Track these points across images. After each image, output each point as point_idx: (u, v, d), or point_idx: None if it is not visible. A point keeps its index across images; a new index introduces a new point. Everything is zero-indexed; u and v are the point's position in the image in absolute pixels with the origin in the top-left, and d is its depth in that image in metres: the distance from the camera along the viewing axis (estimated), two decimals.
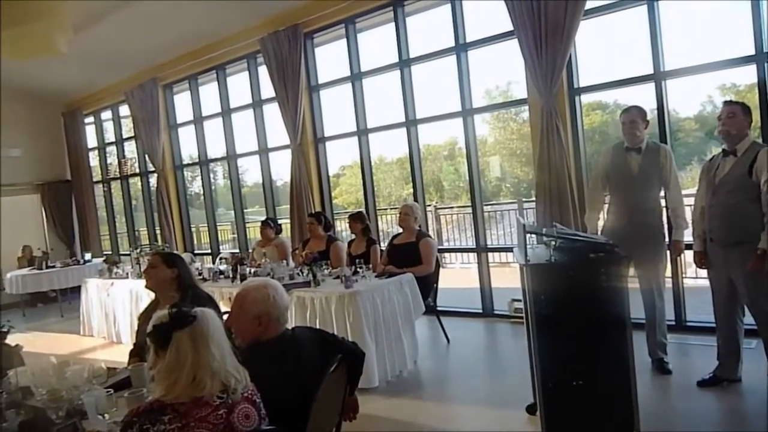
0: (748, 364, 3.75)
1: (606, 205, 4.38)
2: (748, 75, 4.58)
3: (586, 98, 5.85)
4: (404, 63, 6.53)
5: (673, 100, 6.09)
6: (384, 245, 5.97)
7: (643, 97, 5.04)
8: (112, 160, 11.36)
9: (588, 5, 5.03)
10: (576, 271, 3.01)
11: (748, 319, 3.66)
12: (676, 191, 4.09)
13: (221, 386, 1.81)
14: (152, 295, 3.43)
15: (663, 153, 4.10)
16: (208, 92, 9.07)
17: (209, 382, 1.78)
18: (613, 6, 5.17)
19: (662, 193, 4.17)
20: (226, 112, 8.69)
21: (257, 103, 8.18)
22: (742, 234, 3.40)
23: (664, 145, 4.30)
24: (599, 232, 4.26)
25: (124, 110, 10.36)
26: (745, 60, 4.55)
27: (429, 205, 10.01)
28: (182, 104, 9.54)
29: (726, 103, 3.63)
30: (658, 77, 4.91)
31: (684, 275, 5.29)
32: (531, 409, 3.57)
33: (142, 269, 6.52)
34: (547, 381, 3.03)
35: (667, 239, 4.23)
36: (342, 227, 9.72)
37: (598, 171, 4.36)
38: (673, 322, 4.78)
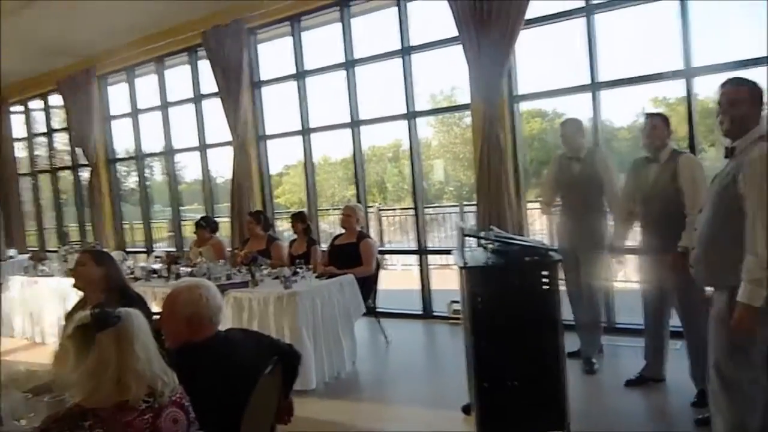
0: (673, 364, 3.92)
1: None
2: (678, 89, 4.82)
3: (526, 106, 6.02)
4: (350, 63, 6.51)
5: (608, 111, 6.34)
6: (326, 246, 5.93)
7: (580, 106, 5.23)
8: (41, 152, 10.79)
9: (529, 15, 5.16)
10: (511, 273, 3.09)
11: (674, 321, 3.84)
12: (612, 194, 4.27)
13: (147, 390, 1.74)
14: (81, 294, 3.29)
15: (599, 157, 4.35)
16: (146, 84, 8.76)
17: (134, 385, 1.70)
18: (553, 17, 5.32)
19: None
20: (165, 106, 8.41)
21: (198, 98, 7.96)
22: (672, 241, 3.55)
23: (600, 149, 4.56)
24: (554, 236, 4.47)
25: (55, 100, 9.86)
26: (675, 74, 4.78)
27: (371, 207, 10.03)
28: (118, 96, 9.18)
29: (648, 115, 3.84)
30: (594, 87, 5.10)
31: (614, 279, 5.49)
32: (467, 410, 3.62)
33: (70, 267, 6.28)
34: (482, 381, 3.08)
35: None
36: (284, 227, 9.59)
37: (548, 179, 4.61)
38: (605, 324, 4.95)
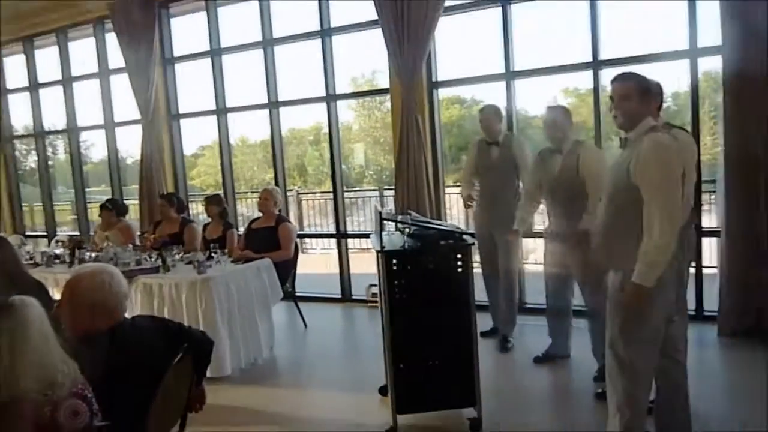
0: (576, 341, 4.15)
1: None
2: (588, 80, 5.05)
3: (444, 92, 6.11)
4: (267, 42, 6.35)
5: (523, 99, 6.55)
6: (243, 230, 5.79)
7: (497, 94, 5.38)
8: None
9: (448, 3, 5.23)
10: (427, 256, 3.15)
11: (578, 300, 4.06)
12: (529, 183, 4.42)
13: (45, 382, 1.64)
14: None
15: (516, 143, 4.55)
16: (47, 57, 8.15)
17: (29, 377, 1.61)
18: (471, 5, 5.41)
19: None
20: (68, 81, 7.87)
21: (104, 72, 7.50)
22: (575, 224, 3.73)
23: (517, 136, 4.75)
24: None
25: None
26: (584, 66, 5.01)
27: (291, 190, 9.89)
28: (15, 68, 8.49)
29: (549, 109, 4.02)
30: (509, 77, 5.25)
31: (525, 261, 5.74)
32: (383, 391, 3.67)
33: None
34: (397, 362, 3.14)
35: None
36: (198, 210, 9.28)
37: (468, 163, 4.75)
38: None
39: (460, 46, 7.50)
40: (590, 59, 4.92)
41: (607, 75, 4.90)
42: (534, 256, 7.03)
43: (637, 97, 2.47)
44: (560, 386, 3.96)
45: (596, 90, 4.96)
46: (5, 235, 5.55)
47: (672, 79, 6.50)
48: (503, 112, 4.72)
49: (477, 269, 4.41)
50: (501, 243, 4.46)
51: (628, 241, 2.41)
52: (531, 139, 5.73)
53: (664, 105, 3.24)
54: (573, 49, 5.28)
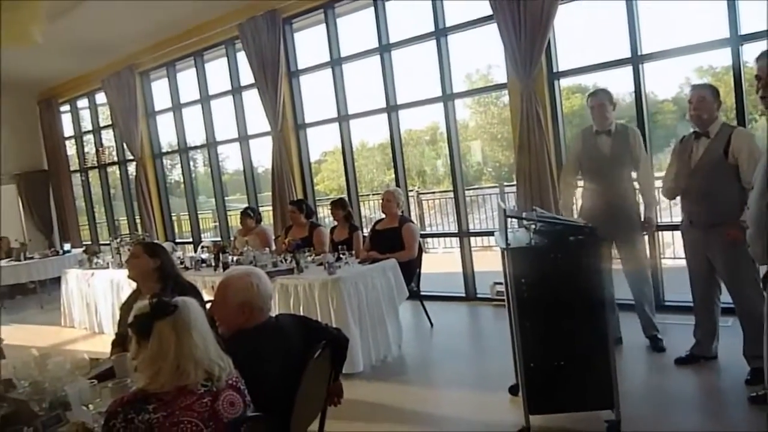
0: (725, 341, 3.83)
1: (580, 190, 4.44)
2: (725, 57, 4.64)
3: (565, 82, 5.88)
4: (384, 48, 6.50)
5: (651, 83, 6.16)
6: (366, 231, 5.98)
7: (622, 80, 5.09)
8: (90, 148, 11.18)
9: None
10: (556, 253, 3.06)
11: (725, 297, 3.74)
12: (645, 170, 4.21)
13: (205, 374, 1.82)
14: (134, 285, 3.42)
15: (632, 134, 4.20)
16: (187, 79, 8.95)
17: (193, 370, 1.79)
18: None
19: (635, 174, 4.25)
20: (205, 99, 8.59)
21: (236, 90, 8.10)
22: (721, 215, 3.46)
23: (632, 126, 4.36)
24: (576, 216, 4.34)
25: (101, 98, 10.18)
26: (721, 43, 4.61)
27: (411, 191, 10.02)
28: (160, 91, 9.41)
29: (694, 87, 3.68)
30: (635, 60, 4.95)
31: (662, 256, 5.38)
32: (513, 391, 3.62)
33: (123, 259, 6.52)
34: (528, 362, 3.08)
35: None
36: (324, 214, 9.70)
37: (571, 156, 4.45)
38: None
39: (580, 33, 7.21)
40: (728, 35, 4.51)
41: (749, 51, 4.48)
42: (670, 250, 6.60)
43: None
44: (706, 389, 3.67)
45: (737, 68, 4.53)
46: (159, 242, 6.18)
47: None
48: (620, 98, 4.41)
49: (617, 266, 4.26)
50: (621, 241, 4.17)
51: None
52: (661, 125, 5.35)
53: None
54: (707, 25, 4.87)
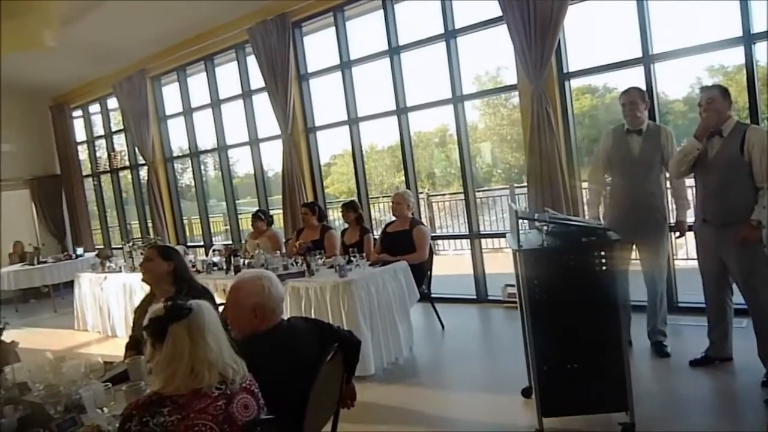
0: (739, 342, 3.80)
1: (608, 188, 4.37)
2: (736, 56, 4.60)
3: (575, 83, 5.86)
4: (394, 50, 6.51)
5: (662, 83, 6.11)
6: (377, 234, 5.98)
7: (633, 80, 5.05)
8: (102, 153, 11.28)
9: None
10: (568, 255, 3.05)
11: (737, 298, 3.71)
12: (675, 160, 4.09)
13: (219, 377, 1.82)
14: (146, 288, 3.44)
15: (664, 134, 4.09)
16: (197, 83, 9.01)
17: (207, 373, 1.79)
18: None
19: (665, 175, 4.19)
20: (216, 103, 8.64)
21: (247, 94, 8.13)
22: (736, 214, 3.43)
23: (664, 126, 4.27)
24: (600, 216, 4.29)
25: (113, 103, 10.28)
26: (733, 42, 4.57)
27: (421, 193, 10.02)
28: (171, 96, 9.48)
29: (704, 88, 3.64)
30: (646, 60, 4.93)
31: (675, 257, 5.33)
32: (526, 393, 3.61)
33: (135, 263, 6.57)
34: (541, 364, 3.07)
35: (670, 221, 4.26)
36: (335, 216, 9.71)
37: (599, 154, 4.33)
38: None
39: (590, 33, 7.17)
40: (740, 33, 4.48)
41: (762, 50, 4.44)
42: (682, 251, 6.54)
43: None
44: (722, 391, 3.63)
45: (749, 67, 4.50)
46: (171, 245, 6.21)
47: None
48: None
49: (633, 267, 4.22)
50: (643, 242, 4.12)
51: None
52: (672, 124, 5.30)
53: None
54: (718, 24, 4.83)
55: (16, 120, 10.79)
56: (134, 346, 3.15)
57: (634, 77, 5.02)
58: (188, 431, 1.72)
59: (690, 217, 4.18)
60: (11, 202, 10.97)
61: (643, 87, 4.86)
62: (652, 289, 4.17)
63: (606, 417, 3.15)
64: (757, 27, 4.42)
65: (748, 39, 4.44)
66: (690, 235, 4.13)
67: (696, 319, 4.35)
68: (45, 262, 9.17)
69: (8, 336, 3.71)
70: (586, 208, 4.70)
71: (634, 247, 4.19)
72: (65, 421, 2.19)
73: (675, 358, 4.04)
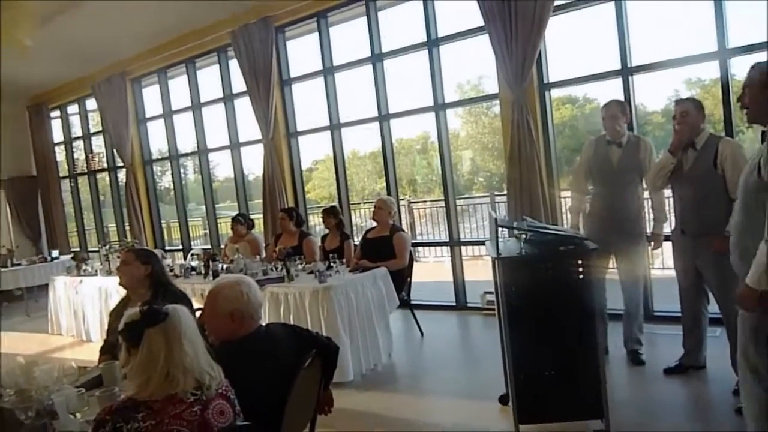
0: (713, 351, 3.87)
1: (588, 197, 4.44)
2: (713, 70, 4.71)
3: (555, 93, 5.93)
4: (376, 57, 6.53)
5: (640, 95, 6.23)
6: (358, 240, 5.98)
7: (612, 91, 5.15)
8: (79, 155, 11.11)
9: (557, 2, 5.11)
10: (546, 263, 3.08)
11: (713, 307, 3.78)
12: (652, 173, 4.15)
13: (195, 383, 1.81)
14: (123, 292, 3.39)
15: (643, 146, 4.16)
16: (178, 86, 8.93)
17: (182, 378, 1.78)
18: (582, 2, 5.25)
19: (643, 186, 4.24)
20: (197, 106, 8.57)
21: (228, 97, 8.09)
22: (710, 225, 3.49)
23: (645, 138, 4.35)
24: (580, 225, 4.36)
25: (91, 104, 10.15)
26: (709, 56, 4.68)
27: (402, 200, 10.04)
28: (151, 98, 9.39)
29: (678, 101, 3.71)
30: (625, 72, 5.02)
31: (651, 266, 5.41)
32: (503, 400, 3.63)
33: (112, 266, 6.47)
34: (518, 371, 3.09)
35: (647, 231, 4.31)
36: (315, 222, 9.69)
37: (581, 164, 4.40)
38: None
39: (570, 44, 7.29)
40: (716, 48, 4.58)
41: (737, 64, 4.55)
42: (659, 261, 6.64)
43: None
44: (695, 399, 3.69)
45: (725, 81, 4.60)
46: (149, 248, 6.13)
47: None
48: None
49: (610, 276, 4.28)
50: (620, 252, 4.19)
51: (759, 243, 2.23)
52: (651, 136, 5.39)
53: None
54: (695, 38, 4.95)
55: None
56: (109, 350, 3.11)
57: (614, 88, 5.11)
58: None
59: (666, 230, 4.26)
60: None
61: (622, 98, 4.97)
62: (629, 298, 4.23)
63: (582, 424, 3.18)
64: (733, 42, 4.52)
65: (724, 53, 4.55)
66: (666, 244, 4.20)
67: (670, 328, 4.41)
68: (19, 264, 8.98)
69: None
70: (565, 216, 4.75)
71: (612, 256, 4.25)
72: (36, 427, 2.15)
73: (650, 366, 4.09)
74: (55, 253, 9.63)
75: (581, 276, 3.02)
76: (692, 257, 3.68)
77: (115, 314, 3.19)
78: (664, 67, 5.05)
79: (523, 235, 3.31)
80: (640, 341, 4.25)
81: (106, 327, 3.60)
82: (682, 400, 3.70)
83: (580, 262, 3.02)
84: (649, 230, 4.32)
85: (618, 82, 5.07)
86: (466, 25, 5.88)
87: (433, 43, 6.10)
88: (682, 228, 3.73)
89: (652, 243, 4.30)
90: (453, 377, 4.48)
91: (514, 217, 5.18)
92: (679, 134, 3.61)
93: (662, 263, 6.54)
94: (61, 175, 11.21)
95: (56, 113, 11.05)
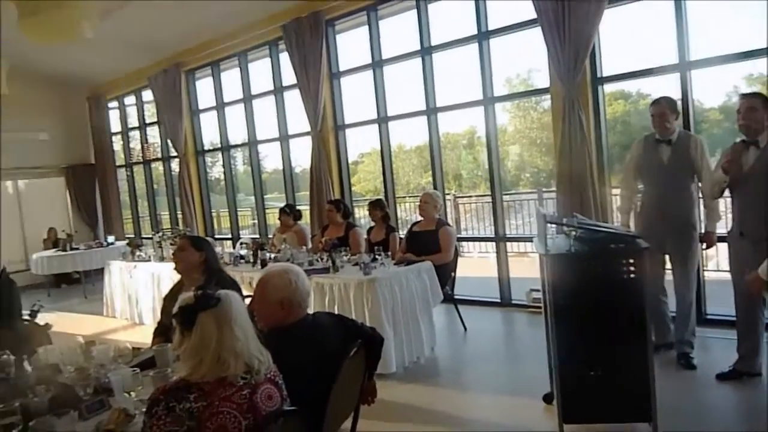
0: None
1: (639, 196, 4.34)
2: None
3: (608, 87, 5.77)
4: (425, 51, 6.51)
5: (697, 91, 5.99)
6: (403, 233, 5.99)
7: (667, 87, 4.98)
8: (135, 144, 11.51)
9: None
10: (596, 261, 3.02)
11: None
12: (708, 182, 4.00)
13: (245, 367, 1.86)
14: (175, 278, 3.51)
15: (694, 144, 4.03)
16: (230, 78, 9.13)
17: (233, 362, 1.83)
18: None
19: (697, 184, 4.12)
20: (248, 99, 8.74)
21: (278, 90, 8.22)
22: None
23: (695, 135, 4.21)
24: (631, 224, 4.25)
25: (147, 95, 10.47)
26: None
27: (448, 194, 10.00)
28: (204, 90, 9.62)
29: (744, 96, 3.57)
30: (682, 67, 4.84)
31: (705, 268, 5.23)
32: (548, 398, 3.59)
33: (164, 253, 6.69)
34: (564, 370, 3.04)
35: (700, 231, 4.18)
36: (360, 214, 9.75)
37: (630, 163, 4.32)
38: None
39: (626, 37, 7.08)
40: None
41: None
42: (712, 262, 6.42)
43: None
44: (748, 407, 3.55)
45: None
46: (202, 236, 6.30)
47: None
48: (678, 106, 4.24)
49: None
50: (672, 252, 4.08)
51: None
52: (707, 134, 5.18)
53: None
54: (758, 31, 4.72)
55: (54, 110, 11.10)
56: (162, 333, 3.22)
57: (669, 84, 4.94)
58: (213, 418, 1.76)
59: (720, 229, 4.11)
60: (47, 190, 11.32)
61: (678, 94, 4.81)
62: (681, 300, 4.10)
63: (629, 426, 3.12)
64: None
65: None
66: (721, 246, 4.05)
67: (724, 332, 4.26)
68: (77, 248, 9.38)
69: (41, 319, 3.83)
70: (615, 215, 4.64)
71: (666, 256, 4.13)
72: (94, 403, 2.26)
73: (702, 371, 3.96)
74: (111, 238, 10.00)
75: (632, 275, 2.95)
76: (751, 260, 3.53)
77: (170, 298, 3.30)
78: (724, 62, 4.82)
79: (573, 232, 3.25)
80: (691, 344, 4.12)
81: (158, 311, 3.73)
82: (734, 406, 3.58)
83: (631, 260, 2.95)
84: (701, 229, 4.18)
85: (673, 77, 4.89)
86: (518, 18, 5.78)
87: (483, 36, 6.03)
88: (741, 230, 3.59)
89: (705, 243, 4.16)
90: (496, 373, 4.45)
91: (563, 213, 5.08)
92: (734, 155, 3.49)
93: (717, 265, 6.31)
94: (117, 164, 11.63)
95: (114, 104, 11.46)
